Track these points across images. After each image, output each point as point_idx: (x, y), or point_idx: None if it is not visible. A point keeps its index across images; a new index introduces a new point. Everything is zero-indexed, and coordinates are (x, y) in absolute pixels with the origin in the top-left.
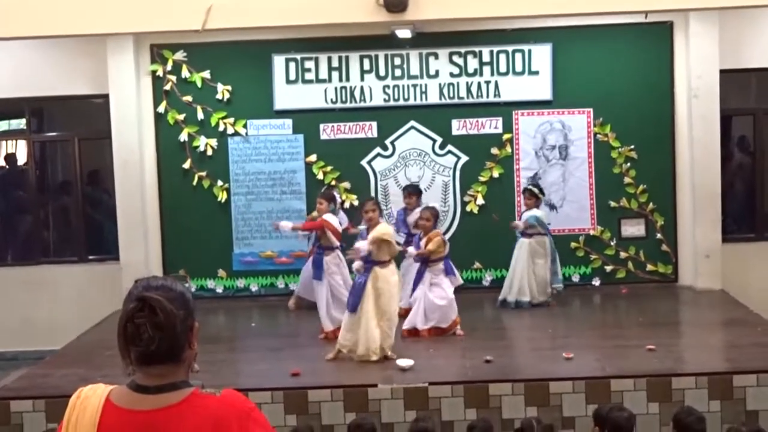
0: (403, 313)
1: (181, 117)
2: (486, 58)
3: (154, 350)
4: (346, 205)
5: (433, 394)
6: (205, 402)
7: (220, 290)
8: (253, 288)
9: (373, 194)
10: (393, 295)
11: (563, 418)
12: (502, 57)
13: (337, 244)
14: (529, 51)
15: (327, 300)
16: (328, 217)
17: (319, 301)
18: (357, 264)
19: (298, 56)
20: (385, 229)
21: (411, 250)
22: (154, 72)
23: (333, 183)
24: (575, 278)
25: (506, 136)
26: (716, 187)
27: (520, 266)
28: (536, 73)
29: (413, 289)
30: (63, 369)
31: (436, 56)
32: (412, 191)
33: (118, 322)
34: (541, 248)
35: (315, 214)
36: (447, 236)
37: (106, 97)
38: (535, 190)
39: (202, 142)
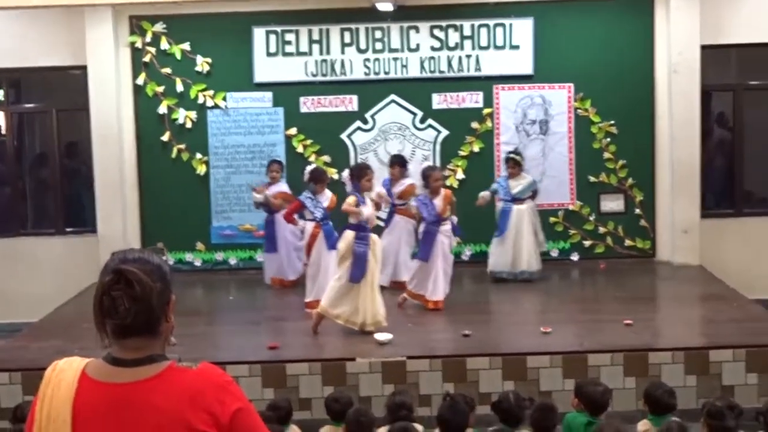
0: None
1: (160, 89)
2: (467, 32)
3: (130, 323)
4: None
5: (411, 368)
6: (182, 375)
7: (198, 263)
8: (232, 261)
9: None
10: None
11: (540, 392)
12: (483, 31)
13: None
14: (510, 25)
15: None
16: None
17: (327, 271)
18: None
19: (279, 28)
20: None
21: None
22: (132, 43)
23: (313, 157)
24: (554, 253)
25: (487, 111)
26: (695, 163)
27: (526, 235)
28: (517, 47)
29: (426, 250)
30: (40, 341)
31: (417, 30)
32: (398, 161)
33: (94, 295)
34: (534, 215)
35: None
36: None
37: (84, 68)
38: (518, 157)
39: (181, 115)
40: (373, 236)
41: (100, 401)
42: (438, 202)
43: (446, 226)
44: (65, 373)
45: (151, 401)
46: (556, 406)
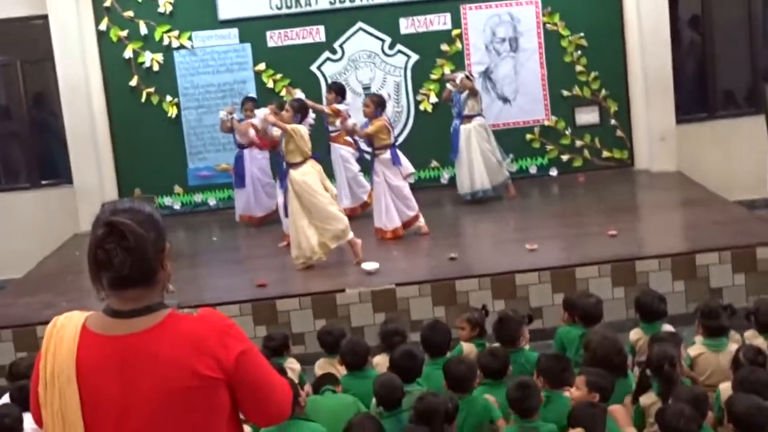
0: (349, 213)
1: (124, 33)
2: None
3: (126, 274)
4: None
5: (401, 295)
6: (183, 322)
7: (177, 207)
8: (211, 202)
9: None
10: (314, 191)
11: (531, 308)
12: None
13: None
14: None
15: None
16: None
17: (281, 207)
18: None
19: None
20: (298, 126)
21: (350, 122)
22: None
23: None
24: (532, 170)
25: (455, 32)
26: (668, 69)
27: (478, 153)
28: None
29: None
30: (26, 297)
31: None
32: (332, 88)
33: (88, 249)
34: (484, 131)
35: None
36: (402, 137)
37: (45, 17)
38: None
39: (148, 58)
40: (292, 173)
41: (103, 354)
42: (369, 127)
43: (384, 155)
44: (66, 328)
45: (154, 351)
46: (514, 316)
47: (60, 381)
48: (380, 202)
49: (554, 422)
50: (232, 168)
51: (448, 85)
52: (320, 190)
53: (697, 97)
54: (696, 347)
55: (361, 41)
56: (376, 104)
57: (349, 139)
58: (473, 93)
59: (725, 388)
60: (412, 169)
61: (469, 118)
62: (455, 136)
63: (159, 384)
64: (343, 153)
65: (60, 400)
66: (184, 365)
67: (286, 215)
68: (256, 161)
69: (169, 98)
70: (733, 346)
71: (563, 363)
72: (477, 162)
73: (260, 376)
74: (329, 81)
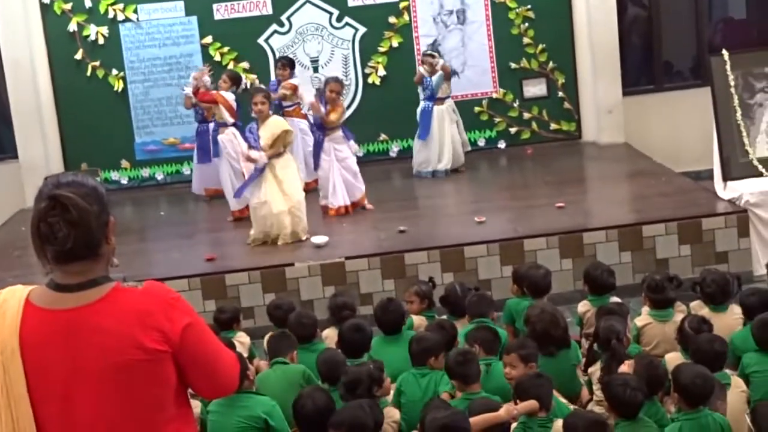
0: (305, 188)
1: (68, 6)
2: None
3: (70, 248)
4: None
5: (350, 269)
6: (128, 295)
7: (124, 181)
8: (159, 177)
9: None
10: (295, 179)
11: (479, 281)
12: None
13: (231, 121)
14: None
15: (231, 178)
16: (225, 95)
17: (222, 179)
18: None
19: None
20: (280, 122)
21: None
22: None
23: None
24: (481, 142)
25: (403, 4)
26: (614, 42)
27: (449, 134)
28: None
29: (315, 160)
30: None
31: None
32: (286, 63)
33: (31, 223)
34: (454, 112)
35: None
36: (350, 110)
37: None
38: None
39: (93, 31)
40: (274, 161)
41: (47, 328)
42: (331, 114)
43: (335, 133)
44: (9, 303)
45: (98, 324)
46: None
47: (4, 356)
48: (329, 180)
49: (494, 393)
50: (188, 144)
51: (421, 69)
52: (299, 179)
53: (644, 69)
54: (642, 318)
55: (308, 14)
56: (342, 89)
57: (303, 111)
58: (448, 77)
59: (671, 358)
60: (356, 146)
61: (441, 100)
62: (425, 116)
63: (104, 357)
64: (302, 127)
65: (4, 375)
66: (129, 338)
67: (235, 195)
68: (221, 135)
69: (115, 72)
70: (678, 317)
71: (493, 332)
72: (447, 143)
73: (207, 348)
74: (277, 54)
